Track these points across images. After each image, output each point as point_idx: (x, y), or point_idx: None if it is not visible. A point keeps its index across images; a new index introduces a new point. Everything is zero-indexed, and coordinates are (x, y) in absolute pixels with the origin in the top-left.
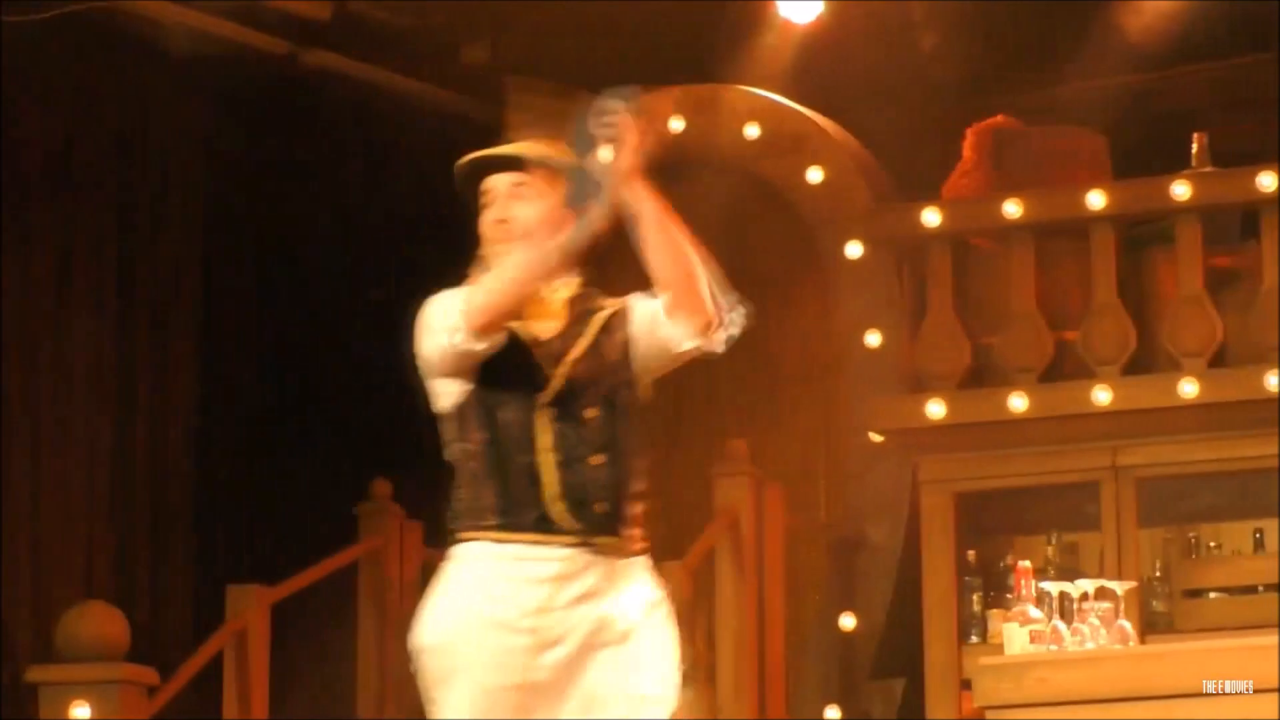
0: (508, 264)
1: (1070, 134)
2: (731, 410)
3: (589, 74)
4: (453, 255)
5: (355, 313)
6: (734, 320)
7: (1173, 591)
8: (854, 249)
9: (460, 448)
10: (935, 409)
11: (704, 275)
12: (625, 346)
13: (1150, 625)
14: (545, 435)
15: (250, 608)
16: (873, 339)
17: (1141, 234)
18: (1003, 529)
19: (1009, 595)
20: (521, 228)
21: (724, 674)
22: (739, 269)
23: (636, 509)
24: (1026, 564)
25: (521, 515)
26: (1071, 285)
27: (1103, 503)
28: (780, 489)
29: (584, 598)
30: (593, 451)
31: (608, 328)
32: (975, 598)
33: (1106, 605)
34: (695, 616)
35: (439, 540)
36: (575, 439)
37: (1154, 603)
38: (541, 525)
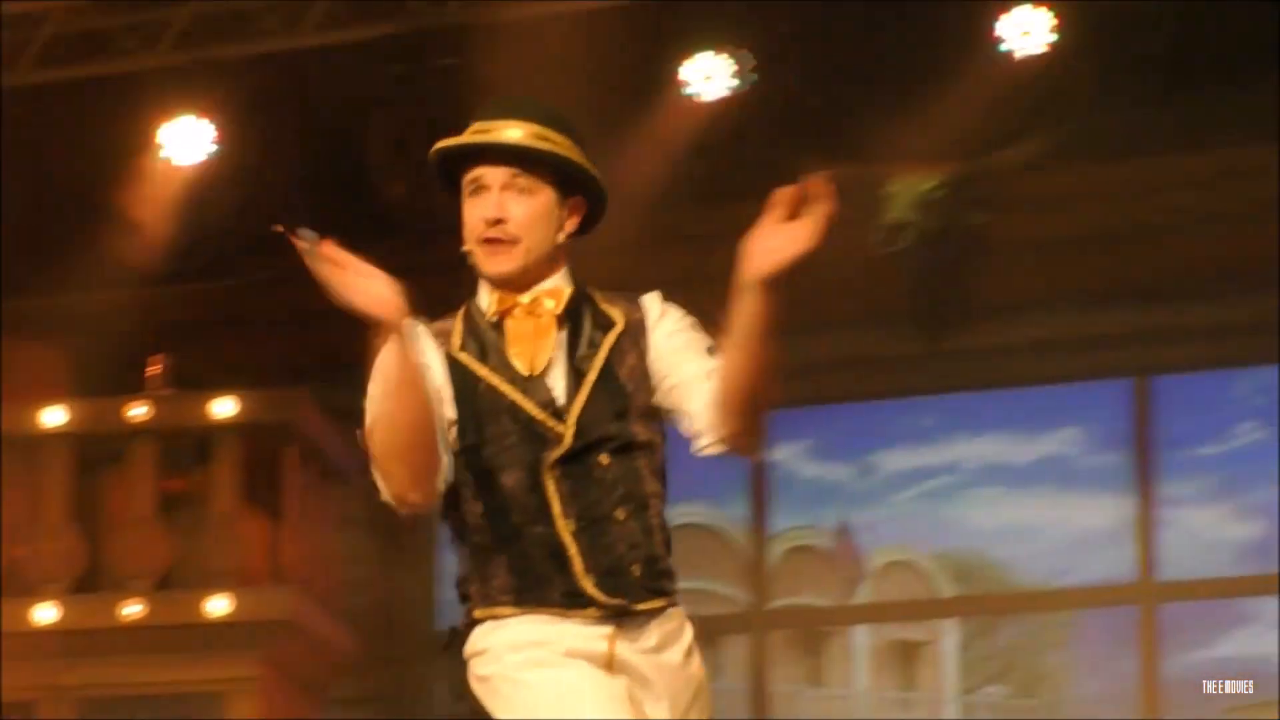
0: (379, 431)
1: (29, 348)
2: None
3: None
4: None
5: None
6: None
7: None
8: None
9: (457, 520)
10: None
11: (769, 404)
12: (641, 373)
13: None
14: (557, 497)
15: None
16: None
17: (98, 452)
18: None
19: None
20: (518, 229)
21: None
22: None
23: (668, 558)
24: None
25: (544, 592)
26: (22, 501)
27: None
28: None
29: (654, 650)
30: (614, 506)
31: (618, 349)
32: None
33: None
34: None
35: None
36: (592, 495)
37: None
38: (571, 601)
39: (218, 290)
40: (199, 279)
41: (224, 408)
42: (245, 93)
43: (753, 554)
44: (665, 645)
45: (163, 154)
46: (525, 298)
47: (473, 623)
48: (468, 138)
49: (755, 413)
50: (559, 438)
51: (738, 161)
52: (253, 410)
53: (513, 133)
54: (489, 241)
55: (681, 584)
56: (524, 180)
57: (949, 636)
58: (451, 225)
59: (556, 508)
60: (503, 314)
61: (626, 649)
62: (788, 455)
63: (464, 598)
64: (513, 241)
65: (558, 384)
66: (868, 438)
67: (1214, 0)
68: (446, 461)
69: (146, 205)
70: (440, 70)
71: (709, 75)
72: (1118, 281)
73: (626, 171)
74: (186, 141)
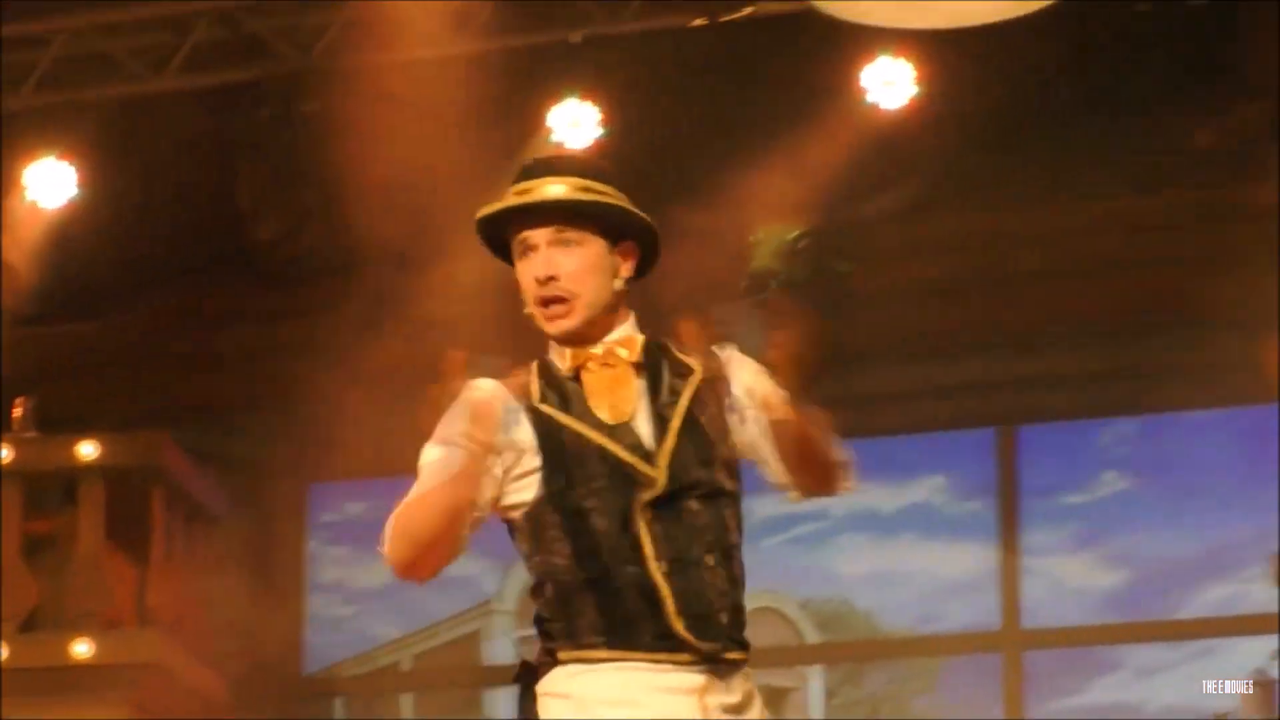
0: (418, 509)
1: None
2: None
3: None
4: None
5: None
6: (850, 470)
7: None
8: None
9: (542, 561)
10: None
11: (828, 435)
12: (721, 423)
13: None
14: (649, 539)
15: None
16: None
17: None
18: None
19: None
20: (571, 283)
21: None
22: None
23: (746, 610)
24: None
25: (635, 633)
26: None
27: None
28: None
29: (737, 709)
30: (704, 551)
31: (698, 398)
32: None
33: None
34: None
35: None
36: (684, 540)
37: None
38: (663, 644)
39: (83, 332)
40: (64, 321)
41: (88, 450)
42: (111, 135)
43: None
44: (746, 705)
45: (27, 196)
46: (598, 349)
47: (553, 662)
48: (507, 200)
49: (815, 461)
50: (651, 480)
51: None
52: (116, 453)
53: (553, 189)
54: (545, 303)
55: None
56: (570, 234)
57: (815, 683)
58: (319, 267)
59: (649, 549)
60: (578, 368)
61: (717, 708)
62: None
63: (545, 635)
64: (569, 298)
65: (644, 429)
66: None
67: (1076, 51)
68: (466, 542)
69: (11, 247)
70: (307, 115)
71: (575, 122)
72: (982, 330)
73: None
74: (51, 184)
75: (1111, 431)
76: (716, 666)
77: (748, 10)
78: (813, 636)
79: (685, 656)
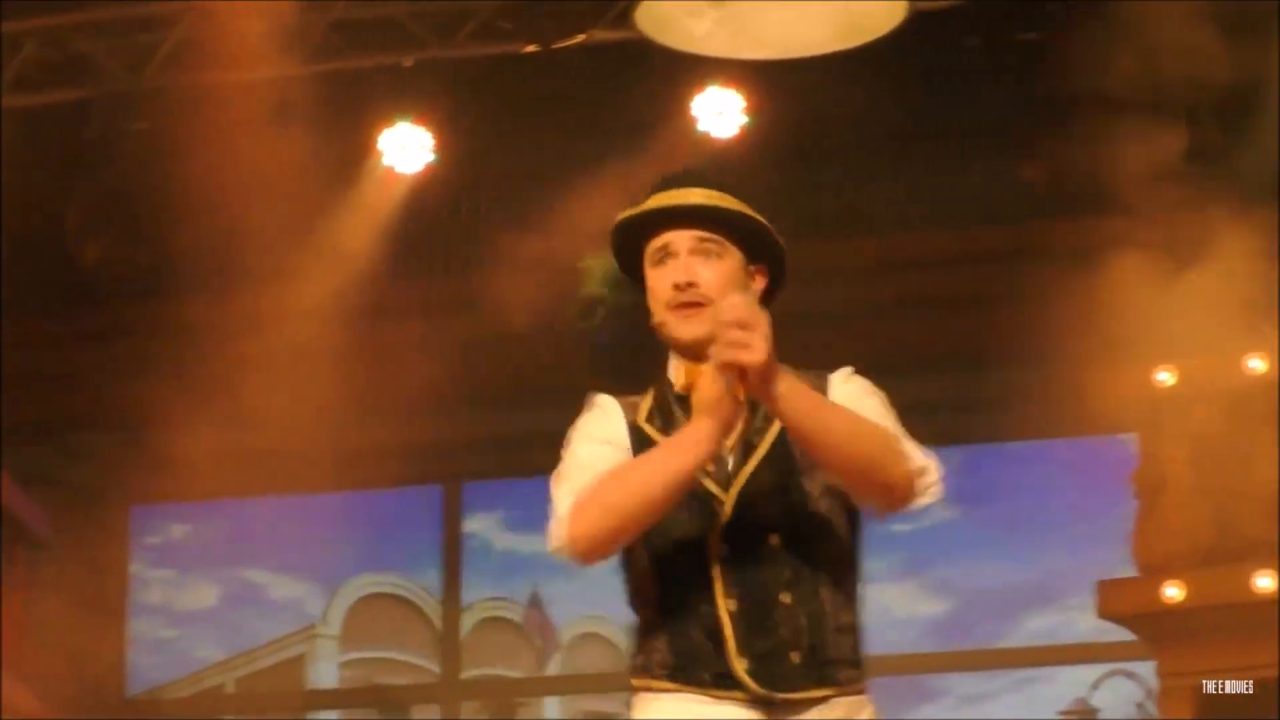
0: (621, 480)
1: None
2: None
3: None
4: None
5: None
6: (928, 479)
7: None
8: None
9: (633, 593)
10: None
11: (878, 449)
12: None
13: None
14: (720, 574)
15: None
16: None
17: None
18: None
19: None
20: (710, 290)
21: None
22: None
23: (846, 645)
24: None
25: (698, 670)
26: None
27: None
28: None
29: None
30: (780, 589)
31: None
32: None
33: None
34: None
35: None
36: (756, 577)
37: None
38: (722, 683)
39: None
40: None
41: None
42: None
43: (445, 624)
44: None
45: None
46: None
47: (633, 688)
48: (654, 202)
49: (867, 477)
50: (721, 507)
51: (434, 235)
52: None
53: (699, 197)
54: (680, 307)
55: (368, 654)
56: (711, 244)
57: None
58: (146, 288)
59: (719, 586)
60: (689, 386)
61: None
62: (482, 526)
63: (630, 662)
64: (705, 304)
65: (730, 454)
66: None
67: (907, 84)
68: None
69: None
70: (136, 134)
71: (404, 146)
72: (793, 361)
73: (327, 241)
74: None
75: (940, 460)
76: (776, 706)
77: (580, 38)
78: None
79: (742, 695)
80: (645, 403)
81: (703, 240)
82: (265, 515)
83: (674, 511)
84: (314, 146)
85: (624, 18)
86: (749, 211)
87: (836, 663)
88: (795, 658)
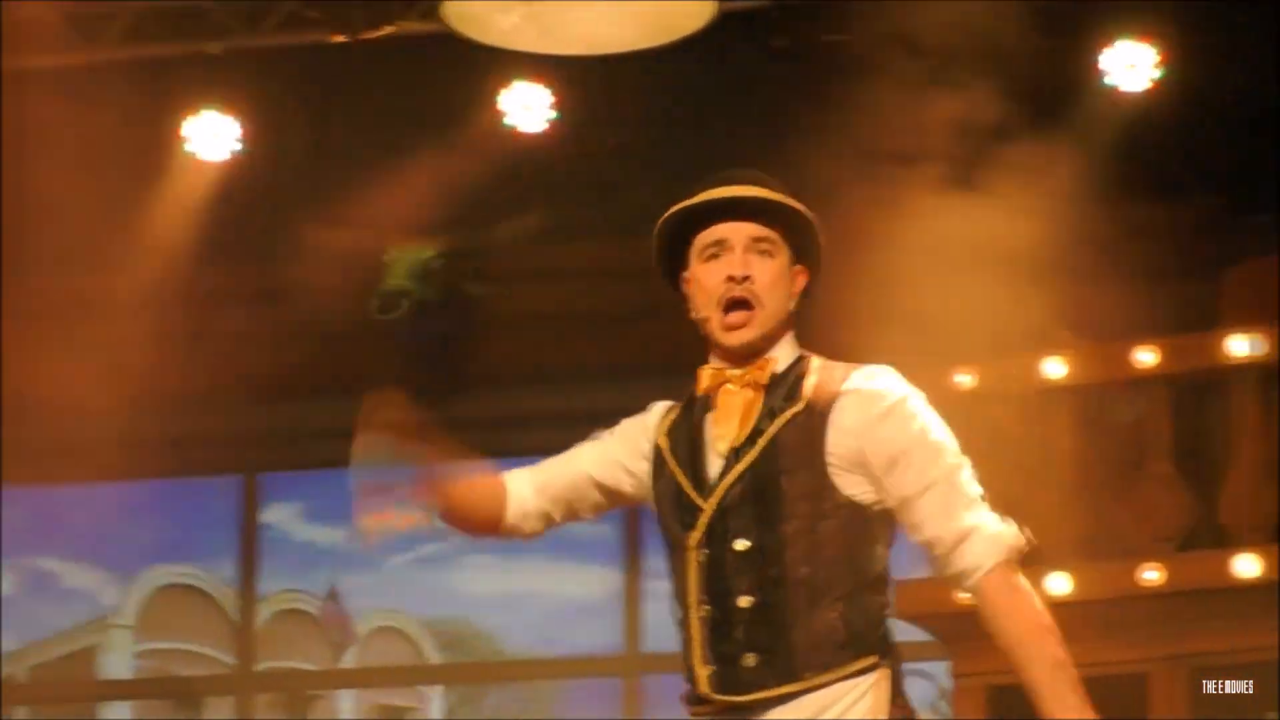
0: None
1: None
2: None
3: None
4: None
5: None
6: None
7: None
8: None
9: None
10: None
11: (1054, 636)
12: (815, 454)
13: None
14: (695, 581)
15: None
16: None
17: None
18: None
19: None
20: (762, 290)
21: None
22: None
23: (824, 641)
24: None
25: (691, 684)
26: None
27: None
28: None
29: None
30: (740, 593)
31: (790, 426)
32: None
33: None
34: None
35: None
36: (721, 584)
37: None
38: (693, 699)
39: None
40: None
41: None
42: None
43: (240, 615)
44: None
45: None
46: (737, 371)
47: None
48: (711, 193)
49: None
50: (701, 515)
51: (242, 224)
52: None
53: (755, 192)
54: (730, 305)
55: (163, 644)
56: (766, 242)
57: (436, 703)
58: None
59: (693, 594)
60: (714, 388)
61: None
62: (280, 518)
63: None
64: (755, 305)
65: (721, 459)
66: None
67: (711, 85)
68: (518, 501)
69: None
70: None
71: (215, 134)
72: (621, 359)
73: (136, 230)
74: None
75: None
76: (738, 709)
77: (388, 29)
78: (435, 657)
79: (710, 709)
80: (674, 410)
81: (758, 240)
82: (60, 503)
83: (669, 522)
84: (122, 134)
85: (432, 11)
86: (801, 208)
87: (805, 660)
88: (750, 660)
